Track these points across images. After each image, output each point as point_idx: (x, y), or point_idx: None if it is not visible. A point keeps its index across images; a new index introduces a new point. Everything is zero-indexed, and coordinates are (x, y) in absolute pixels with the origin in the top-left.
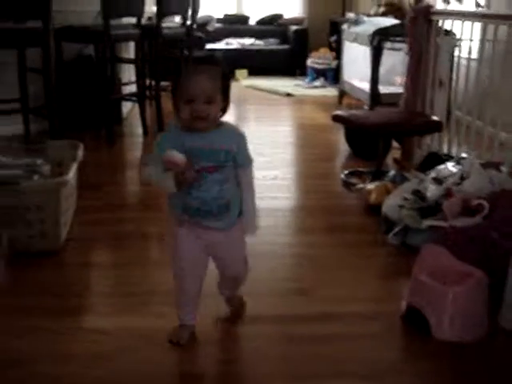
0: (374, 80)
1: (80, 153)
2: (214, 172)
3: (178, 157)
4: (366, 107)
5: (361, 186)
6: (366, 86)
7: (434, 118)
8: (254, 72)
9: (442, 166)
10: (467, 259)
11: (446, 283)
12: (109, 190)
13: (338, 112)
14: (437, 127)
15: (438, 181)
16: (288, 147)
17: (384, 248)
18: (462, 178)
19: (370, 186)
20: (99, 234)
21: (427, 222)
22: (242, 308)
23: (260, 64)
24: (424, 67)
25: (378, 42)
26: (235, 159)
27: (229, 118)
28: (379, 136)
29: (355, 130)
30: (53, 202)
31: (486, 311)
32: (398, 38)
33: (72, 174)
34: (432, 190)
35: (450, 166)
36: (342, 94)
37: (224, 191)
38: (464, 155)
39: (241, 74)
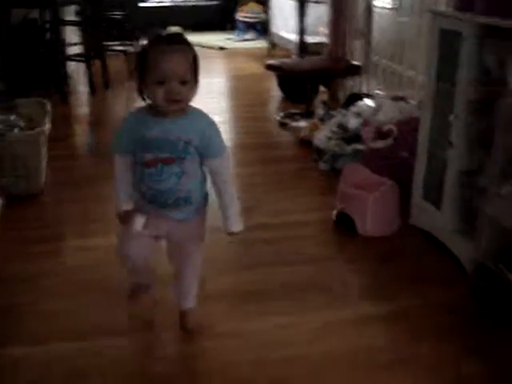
0: (301, 31)
1: (49, 108)
2: (171, 164)
3: (137, 225)
4: (294, 56)
5: (294, 124)
6: (293, 36)
7: (354, 62)
8: (187, 28)
9: (361, 103)
10: (381, 173)
11: (366, 191)
12: (72, 141)
13: (271, 61)
14: (357, 70)
15: (357, 114)
16: (224, 96)
17: (316, 172)
18: (377, 110)
19: (302, 123)
20: (70, 177)
21: (350, 147)
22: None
23: (192, 20)
24: (344, 17)
25: None
26: (202, 151)
27: None
28: (308, 81)
29: (287, 77)
30: (34, 150)
31: (398, 211)
32: None
33: (48, 126)
34: (353, 122)
35: (368, 102)
36: (272, 45)
37: (182, 184)
38: (378, 92)
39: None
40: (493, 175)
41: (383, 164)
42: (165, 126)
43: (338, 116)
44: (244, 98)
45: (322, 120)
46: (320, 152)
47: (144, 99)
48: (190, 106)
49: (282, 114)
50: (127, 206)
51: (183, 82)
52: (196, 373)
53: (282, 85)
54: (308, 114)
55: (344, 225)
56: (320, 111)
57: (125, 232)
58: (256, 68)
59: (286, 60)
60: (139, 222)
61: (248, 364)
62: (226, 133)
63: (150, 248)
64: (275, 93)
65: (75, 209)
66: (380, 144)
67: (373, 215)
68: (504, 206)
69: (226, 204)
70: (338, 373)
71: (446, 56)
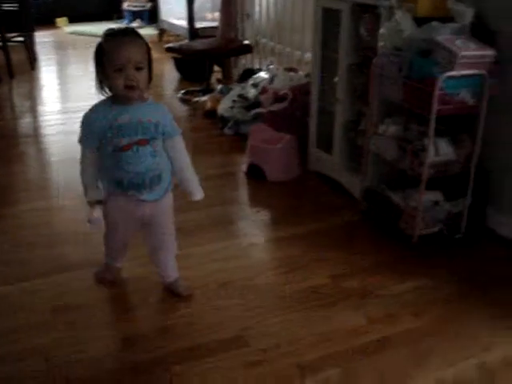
0: (191, 17)
1: None
2: (145, 145)
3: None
4: (186, 41)
5: (196, 99)
6: (182, 22)
7: (245, 42)
8: (74, 19)
9: (256, 75)
10: (281, 130)
11: (271, 145)
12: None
13: (170, 44)
14: (248, 49)
15: (255, 85)
16: None
17: (223, 138)
18: (272, 79)
19: (205, 97)
20: None
21: (253, 112)
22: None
23: (78, 11)
24: (233, 2)
25: None
26: (164, 132)
27: (53, 62)
28: (206, 60)
29: (184, 58)
30: None
31: (298, 160)
32: None
33: None
34: (252, 92)
35: (262, 74)
36: (162, 31)
37: (156, 163)
38: (271, 65)
39: (61, 21)
40: (371, 119)
41: (282, 123)
42: (134, 110)
43: (238, 88)
44: None
45: (221, 93)
46: (225, 120)
47: (104, 91)
48: (148, 97)
49: (182, 92)
50: (98, 196)
51: (138, 69)
52: (158, 285)
53: (179, 66)
54: (207, 90)
55: (254, 174)
56: (218, 86)
57: (113, 221)
58: None
59: (184, 43)
60: (97, 212)
61: (199, 276)
62: None
63: (133, 232)
64: (172, 74)
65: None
66: (278, 106)
67: (278, 164)
68: (381, 142)
69: (188, 177)
70: (266, 274)
71: (328, 29)
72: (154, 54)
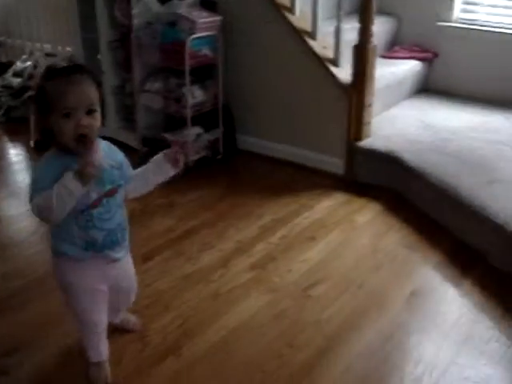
0: None
1: None
2: (114, 195)
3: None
4: None
5: None
6: None
7: None
8: None
9: (15, 65)
10: None
11: None
12: None
13: None
14: None
15: (17, 74)
16: None
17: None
18: (35, 66)
19: None
20: None
21: (20, 99)
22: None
23: None
24: None
25: None
26: (126, 175)
27: None
28: None
29: None
30: None
31: None
32: None
33: None
34: (16, 81)
35: (20, 63)
36: None
37: (121, 214)
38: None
39: None
40: (137, 81)
41: None
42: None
43: None
44: None
45: None
46: None
47: (48, 144)
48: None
49: None
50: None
51: (90, 111)
52: None
53: None
54: None
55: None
56: None
57: (88, 300)
58: None
59: None
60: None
61: None
62: None
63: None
64: None
65: None
66: None
67: None
68: (149, 97)
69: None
70: None
71: (85, 14)
72: None
